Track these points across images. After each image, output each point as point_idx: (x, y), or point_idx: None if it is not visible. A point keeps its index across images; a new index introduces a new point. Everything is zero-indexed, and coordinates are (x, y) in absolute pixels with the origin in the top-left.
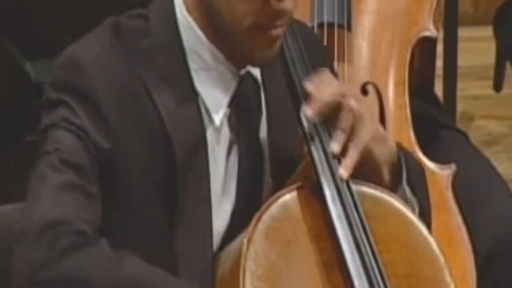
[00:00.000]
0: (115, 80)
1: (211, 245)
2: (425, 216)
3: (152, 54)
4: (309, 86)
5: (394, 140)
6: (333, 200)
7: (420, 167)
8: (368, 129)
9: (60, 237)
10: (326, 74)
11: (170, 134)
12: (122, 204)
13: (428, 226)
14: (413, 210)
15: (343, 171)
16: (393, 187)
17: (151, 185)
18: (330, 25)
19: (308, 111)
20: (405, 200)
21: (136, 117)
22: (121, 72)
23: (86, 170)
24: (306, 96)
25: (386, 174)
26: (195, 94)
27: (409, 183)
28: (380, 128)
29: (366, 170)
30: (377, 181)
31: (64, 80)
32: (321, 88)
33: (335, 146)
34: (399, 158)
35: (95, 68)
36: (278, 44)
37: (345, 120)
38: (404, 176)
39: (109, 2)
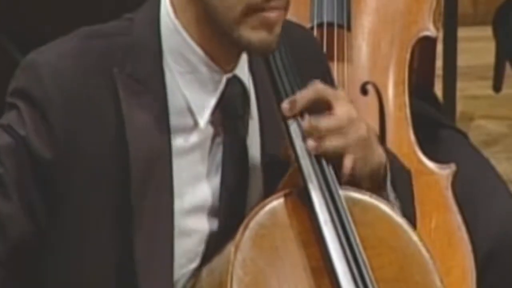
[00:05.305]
0: (72, 87)
1: (172, 257)
2: (409, 219)
3: (129, 50)
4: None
5: (393, 140)
6: (321, 206)
7: (407, 170)
8: (357, 129)
9: None
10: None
11: (128, 141)
12: (70, 216)
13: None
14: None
15: (311, 143)
16: (377, 191)
17: (105, 194)
18: (330, 25)
19: (284, 104)
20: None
21: (93, 126)
22: (82, 77)
23: (5, 183)
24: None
25: (370, 179)
26: (166, 97)
27: (394, 188)
28: (371, 134)
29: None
30: (360, 185)
31: (20, 85)
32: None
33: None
34: (385, 165)
35: (51, 75)
36: (277, 30)
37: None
38: (389, 182)
39: (109, 2)
